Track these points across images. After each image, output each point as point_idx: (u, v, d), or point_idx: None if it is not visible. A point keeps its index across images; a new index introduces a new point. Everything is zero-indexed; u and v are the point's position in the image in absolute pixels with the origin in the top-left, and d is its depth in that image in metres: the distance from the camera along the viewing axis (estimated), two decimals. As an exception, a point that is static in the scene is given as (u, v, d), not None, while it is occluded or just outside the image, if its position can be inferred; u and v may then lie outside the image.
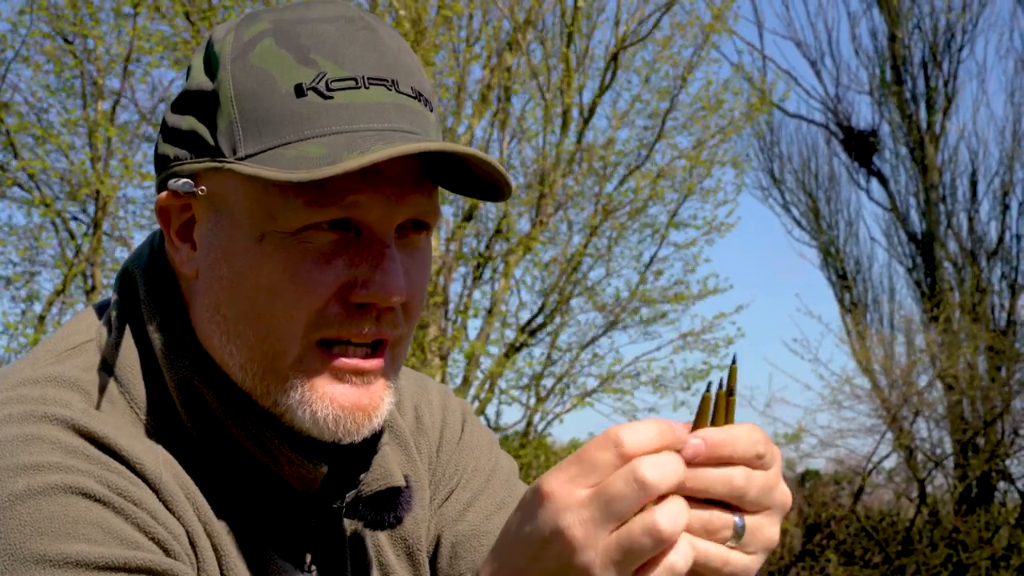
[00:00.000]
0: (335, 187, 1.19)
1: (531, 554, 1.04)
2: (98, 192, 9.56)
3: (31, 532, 1.09)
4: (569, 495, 1.02)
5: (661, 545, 1.00)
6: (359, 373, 1.24)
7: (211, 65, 1.26)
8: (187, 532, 1.21)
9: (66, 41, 9.61)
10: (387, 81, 1.22)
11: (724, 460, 1.04)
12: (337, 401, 1.23)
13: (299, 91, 1.20)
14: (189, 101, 1.26)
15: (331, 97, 1.20)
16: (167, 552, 1.16)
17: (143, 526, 1.15)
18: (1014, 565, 13.22)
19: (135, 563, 1.11)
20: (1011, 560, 13.27)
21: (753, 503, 1.05)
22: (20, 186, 9.82)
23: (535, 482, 1.04)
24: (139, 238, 10.46)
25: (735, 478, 1.04)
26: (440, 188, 1.29)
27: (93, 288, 10.09)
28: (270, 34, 1.23)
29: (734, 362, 1.08)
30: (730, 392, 1.07)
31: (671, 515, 1.00)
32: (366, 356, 1.25)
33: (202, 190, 1.24)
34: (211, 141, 1.23)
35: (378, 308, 1.23)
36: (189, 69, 1.30)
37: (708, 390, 1.07)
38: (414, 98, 1.24)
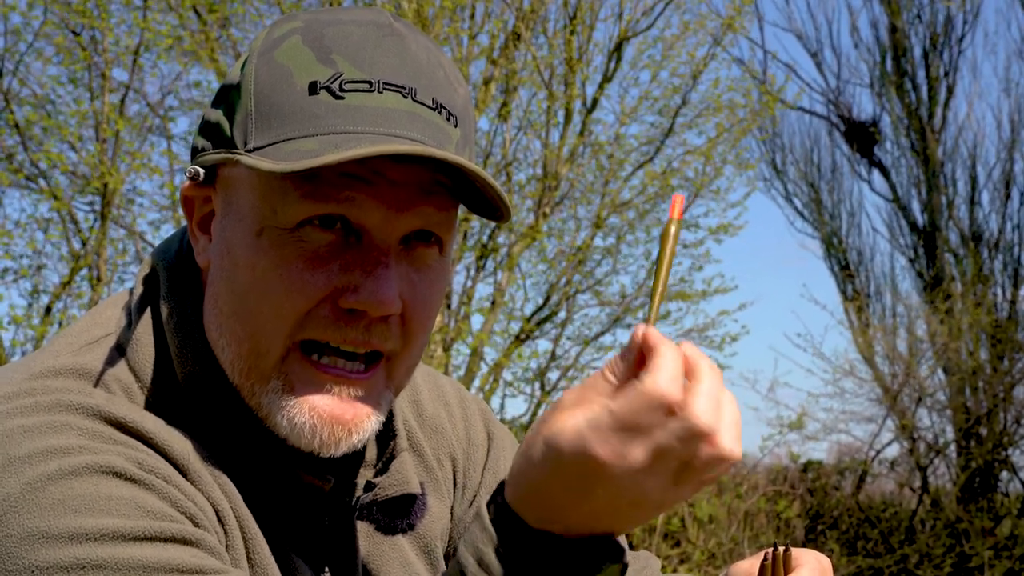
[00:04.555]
0: (332, 182, 1.19)
1: (591, 514, 1.07)
2: (105, 185, 9.55)
3: (64, 511, 1.10)
4: (630, 463, 1.04)
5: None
6: (344, 384, 1.23)
7: (245, 60, 1.27)
8: (216, 511, 1.22)
9: (75, 33, 9.59)
10: (404, 88, 1.21)
11: None
12: (316, 410, 1.22)
13: (312, 89, 1.20)
14: (221, 94, 1.28)
15: (342, 97, 1.19)
16: (197, 525, 1.17)
17: (173, 500, 1.16)
18: (1017, 555, 13.24)
19: (168, 533, 1.12)
20: (1014, 550, 13.29)
21: None
22: (28, 178, 9.81)
23: (577, 452, 1.05)
24: (147, 230, 10.46)
25: None
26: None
27: (99, 280, 10.08)
28: (299, 32, 1.24)
29: (787, 550, 1.21)
30: (787, 549, 1.22)
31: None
32: (356, 370, 1.24)
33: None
34: (228, 133, 1.24)
35: (369, 317, 1.21)
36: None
37: (766, 559, 1.21)
38: (433, 109, 1.22)
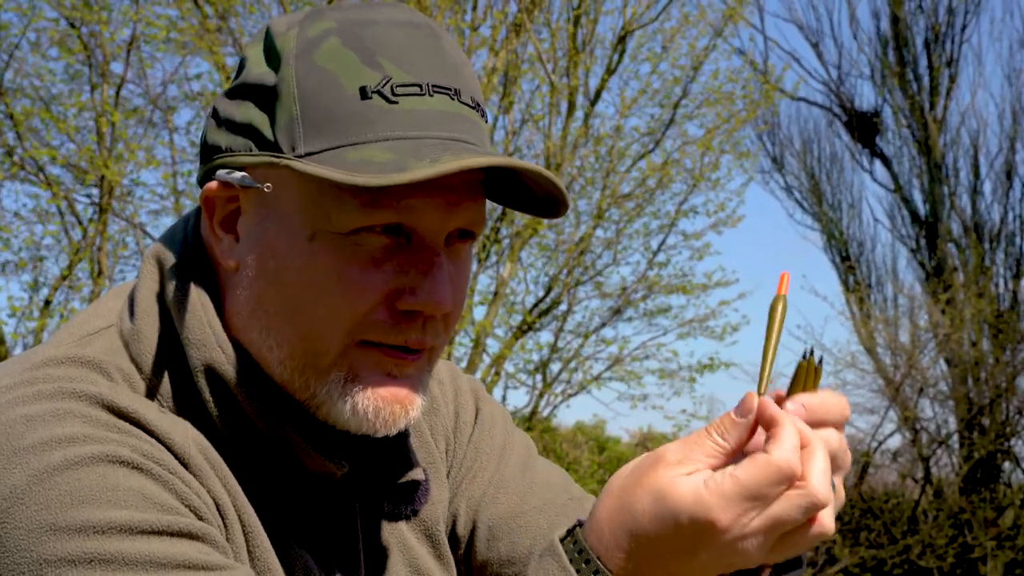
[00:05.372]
0: (392, 191, 1.19)
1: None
2: (103, 177, 9.55)
3: (71, 502, 1.09)
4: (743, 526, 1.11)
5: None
6: (401, 367, 1.25)
7: (273, 59, 1.25)
8: (216, 503, 1.22)
9: (72, 26, 9.58)
10: (451, 90, 1.22)
11: (819, 423, 1.15)
12: (379, 392, 1.23)
13: (364, 93, 1.19)
14: (247, 92, 1.26)
15: (396, 102, 1.20)
16: (201, 518, 1.17)
17: (178, 492, 1.16)
18: (1019, 545, 13.27)
19: (175, 527, 1.12)
20: (1016, 540, 13.33)
21: (840, 463, 1.18)
22: (26, 171, 9.81)
23: (697, 514, 1.10)
24: (147, 222, 10.47)
25: (831, 440, 1.16)
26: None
27: (100, 273, 10.08)
28: (336, 33, 1.23)
29: (821, 361, 1.21)
30: (820, 360, 1.21)
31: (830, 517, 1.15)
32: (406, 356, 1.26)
33: (268, 187, 1.23)
34: (269, 136, 1.22)
35: (424, 316, 1.24)
36: (243, 60, 1.29)
37: (804, 358, 1.20)
38: (473, 108, 1.24)
